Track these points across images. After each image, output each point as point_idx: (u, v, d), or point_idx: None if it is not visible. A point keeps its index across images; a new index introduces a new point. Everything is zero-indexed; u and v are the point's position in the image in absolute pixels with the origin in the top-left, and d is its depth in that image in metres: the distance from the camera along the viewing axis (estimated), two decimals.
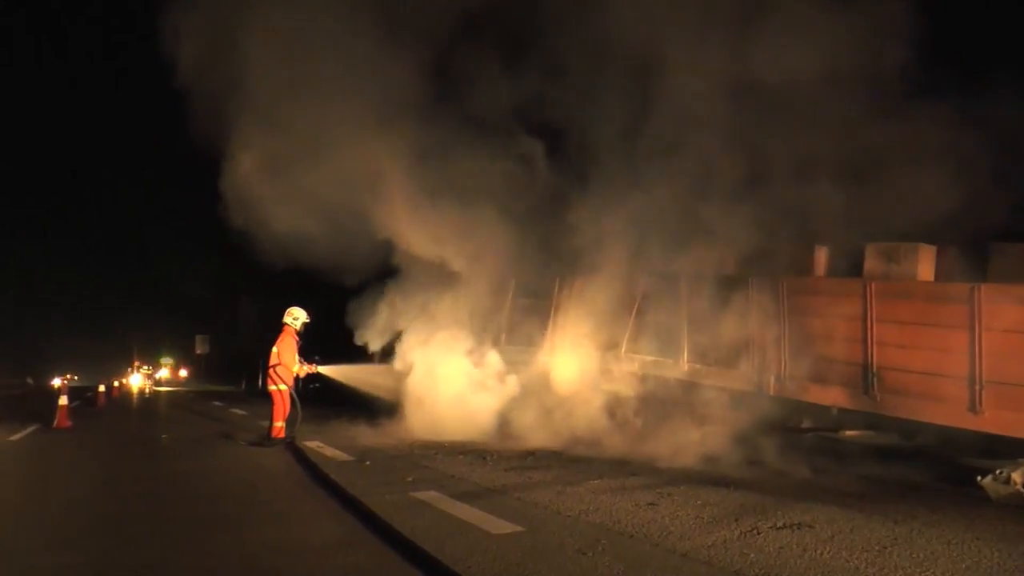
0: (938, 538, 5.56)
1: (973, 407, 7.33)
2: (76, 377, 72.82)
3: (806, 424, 9.39)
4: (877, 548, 5.31)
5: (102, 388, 29.95)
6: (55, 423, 16.13)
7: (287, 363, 11.97)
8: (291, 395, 11.99)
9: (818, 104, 9.06)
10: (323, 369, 13.32)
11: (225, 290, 55.36)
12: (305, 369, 12.35)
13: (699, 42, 9.57)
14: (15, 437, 14.47)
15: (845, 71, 8.92)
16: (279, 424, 11.87)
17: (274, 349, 12.08)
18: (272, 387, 11.97)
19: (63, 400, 17.00)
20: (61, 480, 9.46)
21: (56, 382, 59.33)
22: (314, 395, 13.52)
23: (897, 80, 8.80)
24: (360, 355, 14.30)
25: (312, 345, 12.75)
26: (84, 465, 10.97)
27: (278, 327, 12.32)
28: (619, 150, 10.42)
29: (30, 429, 15.80)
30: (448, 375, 12.60)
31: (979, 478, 7.29)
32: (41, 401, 26.96)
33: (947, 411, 7.60)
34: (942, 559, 5.05)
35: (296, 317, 12.32)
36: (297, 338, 12.22)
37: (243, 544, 5.90)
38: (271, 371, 12.03)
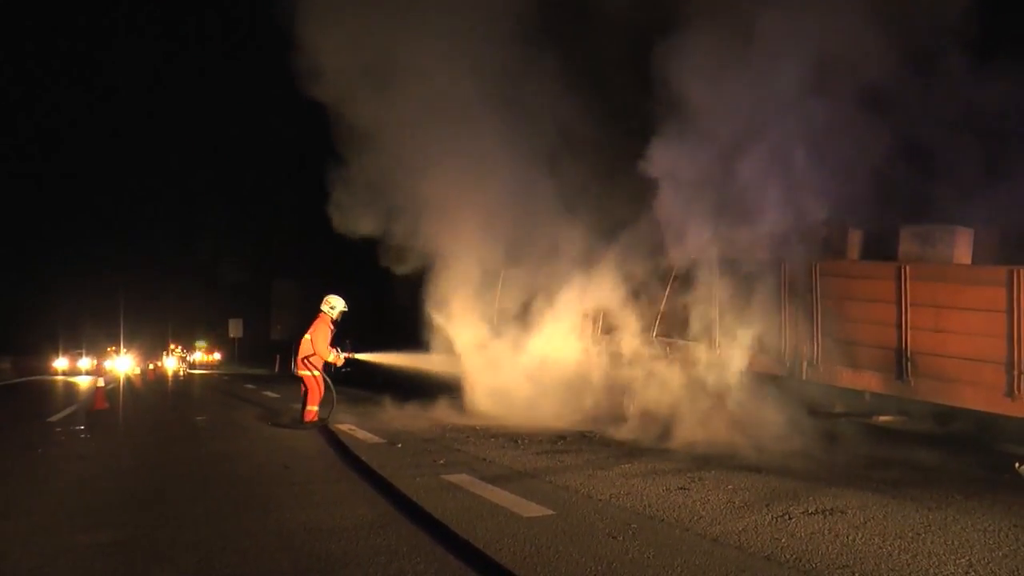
0: (973, 525, 5.50)
1: (1011, 392, 7.21)
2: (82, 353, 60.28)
3: (838, 409, 9.31)
4: (911, 534, 5.26)
5: (138, 370, 30.46)
6: (92, 405, 16.43)
7: (321, 352, 11.94)
8: (324, 379, 12.03)
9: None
10: (359, 356, 13.30)
11: (260, 274, 55.98)
12: (341, 357, 12.31)
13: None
14: (54, 418, 14.77)
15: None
16: (313, 408, 11.95)
17: (307, 336, 12.03)
18: (304, 372, 12.02)
19: (100, 382, 17.34)
20: (98, 461, 9.62)
21: (60, 363, 52.31)
22: (345, 379, 13.59)
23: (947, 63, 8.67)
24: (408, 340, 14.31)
25: (355, 330, 12.76)
26: (120, 447, 11.15)
27: (314, 311, 12.30)
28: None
29: (68, 410, 16.13)
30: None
31: (1017, 464, 7.20)
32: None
33: (983, 396, 7.49)
34: (977, 546, 4.99)
35: (333, 306, 12.20)
36: (332, 327, 12.20)
37: (277, 525, 5.97)
38: (302, 360, 12.04)
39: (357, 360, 13.33)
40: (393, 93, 12.12)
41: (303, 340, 12.09)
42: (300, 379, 12.17)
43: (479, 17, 11.57)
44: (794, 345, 9.35)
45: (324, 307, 12.24)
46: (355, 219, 12.95)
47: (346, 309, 12.31)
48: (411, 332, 14.15)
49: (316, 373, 11.92)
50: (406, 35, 12.05)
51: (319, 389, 11.96)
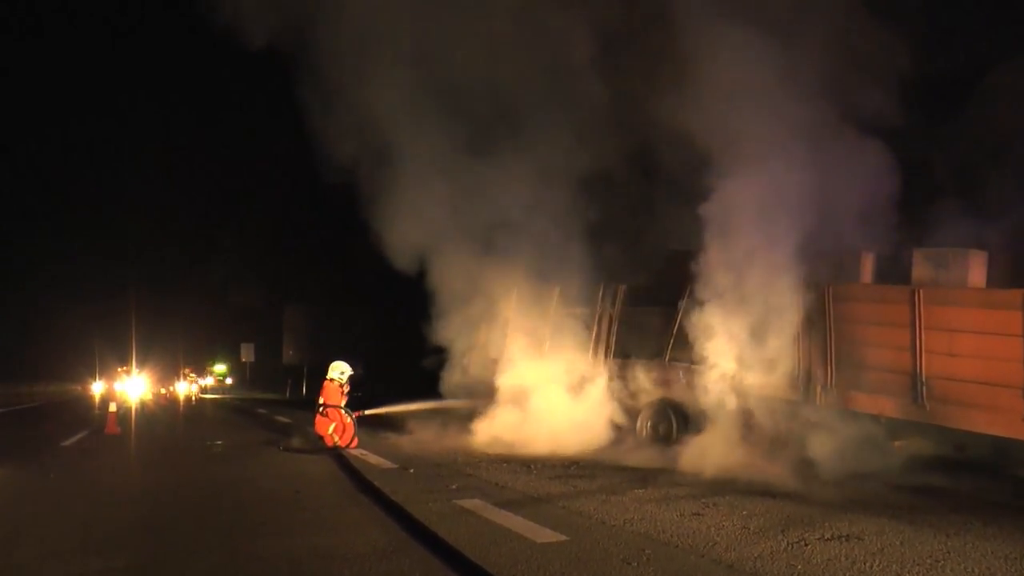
0: (994, 552, 5.43)
1: None
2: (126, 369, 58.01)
3: (855, 434, 9.22)
4: (929, 562, 5.19)
5: (150, 396, 30.56)
6: (105, 429, 16.45)
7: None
8: (351, 418, 12.14)
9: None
10: (370, 412, 13.34)
11: (273, 298, 56.04)
12: (351, 418, 12.40)
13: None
14: (67, 443, 14.79)
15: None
16: (335, 437, 11.95)
17: (319, 409, 12.28)
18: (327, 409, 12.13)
19: (112, 407, 17.39)
20: (111, 485, 9.63)
21: (97, 388, 47.07)
22: (355, 405, 13.53)
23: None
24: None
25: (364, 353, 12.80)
26: (133, 471, 11.16)
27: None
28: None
29: (81, 435, 16.14)
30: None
31: None
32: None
33: (1000, 421, 7.43)
34: (999, 574, 4.92)
35: (342, 372, 12.54)
36: (343, 391, 12.42)
37: (289, 550, 5.95)
38: (321, 407, 12.24)
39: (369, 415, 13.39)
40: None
41: (318, 414, 12.25)
42: (318, 409, 12.25)
43: None
44: (808, 369, 9.30)
45: (332, 374, 12.54)
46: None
47: (353, 373, 12.69)
48: (418, 354, 14.18)
49: (341, 409, 12.04)
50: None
51: (342, 421, 12.01)
